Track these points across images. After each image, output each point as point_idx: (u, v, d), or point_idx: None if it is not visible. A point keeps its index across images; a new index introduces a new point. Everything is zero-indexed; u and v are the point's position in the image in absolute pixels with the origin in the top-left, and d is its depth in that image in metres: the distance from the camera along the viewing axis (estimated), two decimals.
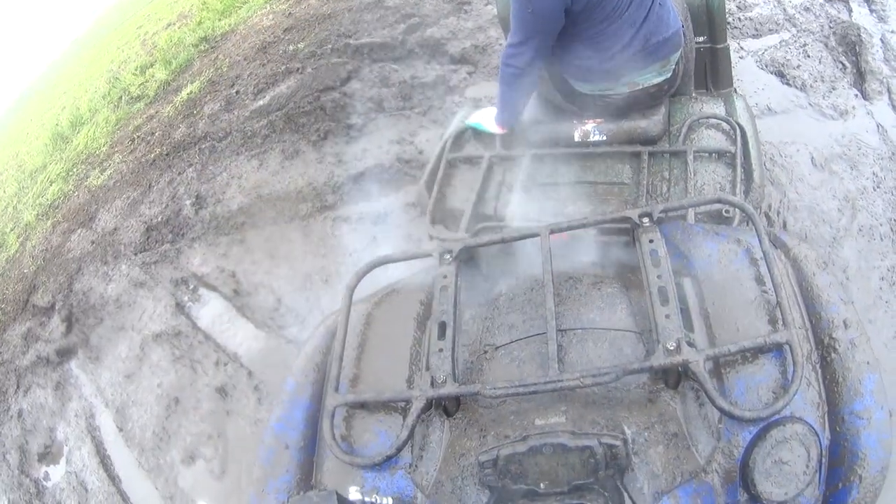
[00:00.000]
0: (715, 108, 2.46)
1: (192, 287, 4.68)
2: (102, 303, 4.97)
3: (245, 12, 9.05)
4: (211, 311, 4.43)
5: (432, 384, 1.36)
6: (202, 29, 9.35)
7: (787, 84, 4.33)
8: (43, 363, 4.77)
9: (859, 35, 4.52)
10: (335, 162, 4.92)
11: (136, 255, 5.25)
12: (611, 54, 2.22)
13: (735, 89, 2.97)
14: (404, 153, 4.65)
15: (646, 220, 1.51)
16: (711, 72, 3.11)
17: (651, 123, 2.30)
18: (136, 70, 9.91)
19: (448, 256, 1.61)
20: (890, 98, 4.11)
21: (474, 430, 1.34)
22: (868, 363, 1.32)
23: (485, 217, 2.18)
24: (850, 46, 4.53)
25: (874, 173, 3.63)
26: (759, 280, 1.43)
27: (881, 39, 4.54)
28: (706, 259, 1.51)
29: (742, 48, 4.70)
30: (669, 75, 2.29)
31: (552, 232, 1.55)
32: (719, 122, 2.34)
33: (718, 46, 3.00)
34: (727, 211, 1.94)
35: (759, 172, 2.12)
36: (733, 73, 3.03)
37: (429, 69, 5.48)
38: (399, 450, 1.34)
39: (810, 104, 4.15)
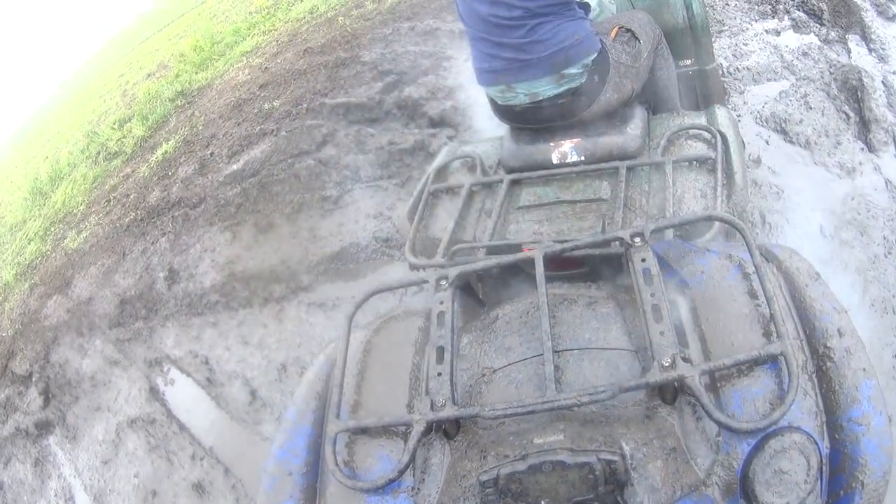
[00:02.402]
0: (696, 120, 2.38)
1: (165, 370, 4.42)
2: (78, 379, 4.77)
3: (222, 65, 8.79)
4: (185, 399, 4.17)
5: (432, 408, 1.36)
6: (179, 82, 9.11)
7: (791, 142, 3.91)
8: (22, 435, 4.59)
9: (860, 79, 4.12)
10: (310, 238, 4.54)
11: (110, 329, 5.02)
12: (480, 59, 2.32)
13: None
14: (381, 230, 4.26)
15: (637, 239, 1.50)
16: (702, 94, 3.18)
17: (628, 139, 2.27)
18: (114, 124, 9.73)
19: (444, 282, 1.60)
20: None
21: (474, 452, 1.33)
22: (864, 370, 1.29)
23: (463, 242, 2.09)
24: (851, 93, 4.12)
25: (885, 238, 3.26)
26: (752, 294, 1.41)
27: (883, 82, 4.15)
28: (699, 276, 1.49)
29: (741, 102, 4.34)
30: (577, 85, 2.25)
31: (545, 255, 1.55)
32: (700, 132, 2.26)
33: (707, 68, 3.09)
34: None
35: (741, 176, 2.07)
36: (725, 94, 2.90)
37: (407, 133, 5.09)
38: (401, 473, 1.32)
39: (815, 163, 3.74)
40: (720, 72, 2.77)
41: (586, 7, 2.46)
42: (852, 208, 3.40)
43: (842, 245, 3.24)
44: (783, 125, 3.99)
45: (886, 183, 3.51)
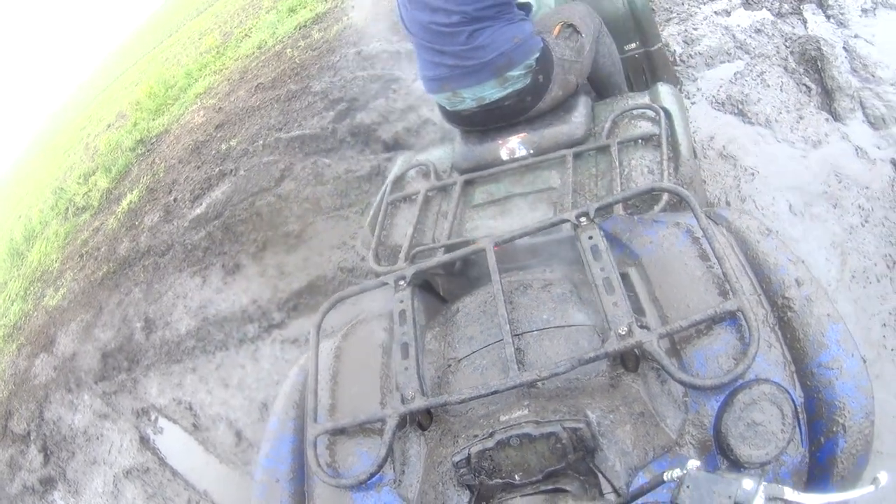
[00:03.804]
0: (640, 100, 2.38)
1: (153, 419, 4.35)
2: (72, 434, 4.70)
3: (177, 109, 8.70)
4: (175, 445, 4.09)
5: (402, 401, 1.38)
6: (138, 130, 9.03)
7: (750, 123, 3.73)
8: (30, 492, 4.53)
9: (819, 48, 3.96)
10: (277, 275, 4.46)
11: (96, 383, 4.95)
12: (425, 68, 2.35)
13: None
14: (346, 261, 4.18)
15: (583, 219, 1.52)
16: (651, 74, 3.19)
17: (573, 126, 2.29)
18: (79, 178, 9.71)
19: (402, 282, 1.63)
20: (864, 113, 3.55)
21: (448, 439, 1.36)
22: (829, 315, 1.29)
23: (423, 245, 2.13)
24: (811, 63, 3.97)
25: (860, 206, 3.11)
26: (704, 257, 1.41)
27: (844, 48, 3.99)
28: (648, 246, 1.50)
29: (695, 90, 4.20)
30: (521, 86, 2.27)
31: (496, 244, 1.58)
32: (643, 110, 2.26)
33: (652, 49, 3.11)
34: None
35: (686, 147, 2.07)
36: (674, 72, 2.85)
37: (362, 160, 5.01)
38: (381, 467, 1.34)
39: (778, 141, 3.59)
40: (666, 51, 2.73)
41: (527, 7, 2.47)
42: (823, 181, 3.27)
43: (813, 220, 3.12)
44: (740, 107, 3.85)
45: (856, 150, 3.36)
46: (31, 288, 7.76)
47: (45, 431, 4.89)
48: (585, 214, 1.52)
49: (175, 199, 6.28)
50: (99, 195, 8.31)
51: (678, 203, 1.88)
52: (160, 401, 4.37)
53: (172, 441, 4.10)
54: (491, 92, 2.28)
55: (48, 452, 4.70)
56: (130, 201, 7.14)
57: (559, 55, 2.33)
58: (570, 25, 2.42)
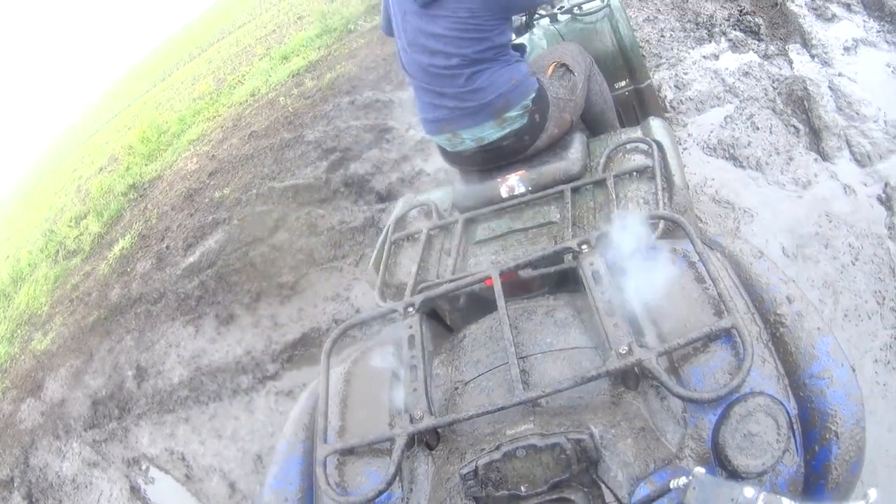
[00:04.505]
0: (632, 134, 2.43)
1: (144, 468, 4.23)
2: (59, 482, 4.58)
3: (170, 155, 8.68)
4: (167, 496, 4.00)
5: (411, 421, 1.39)
6: (130, 175, 8.98)
7: (741, 166, 3.80)
8: None
9: (806, 88, 4.08)
10: (271, 326, 4.42)
11: (86, 431, 4.84)
12: (425, 110, 2.37)
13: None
14: (340, 312, 4.16)
15: (585, 246, 1.56)
16: (640, 110, 3.24)
17: (570, 163, 2.33)
18: (71, 221, 9.59)
19: (411, 309, 1.66)
20: (850, 152, 3.61)
21: (455, 456, 1.36)
22: (818, 329, 1.34)
23: (427, 282, 2.13)
24: (798, 104, 4.05)
25: (850, 245, 3.15)
26: (700, 280, 1.44)
27: (829, 87, 4.09)
28: (647, 271, 1.52)
29: (686, 135, 4.21)
30: (519, 126, 2.31)
31: (501, 273, 1.61)
32: (636, 144, 2.31)
33: (641, 86, 3.17)
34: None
35: (679, 178, 2.12)
36: (662, 107, 2.86)
37: (356, 211, 5.02)
38: (389, 484, 1.34)
39: (769, 184, 3.63)
40: (655, 88, 2.80)
41: (522, 48, 2.53)
42: (814, 222, 3.31)
43: (806, 262, 3.14)
44: (731, 150, 3.90)
45: (845, 189, 3.41)
46: (18, 331, 7.62)
47: (31, 478, 4.76)
48: (587, 242, 1.57)
49: (168, 247, 6.23)
50: (90, 239, 8.23)
51: (674, 230, 1.92)
52: (152, 450, 4.28)
53: (164, 492, 4.00)
54: (490, 132, 2.31)
55: (33, 500, 4.58)
56: (122, 247, 7.08)
57: (554, 94, 2.37)
58: (563, 65, 2.47)
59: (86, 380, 5.36)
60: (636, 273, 1.53)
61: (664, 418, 1.29)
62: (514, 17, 2.58)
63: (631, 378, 1.34)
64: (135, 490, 4.11)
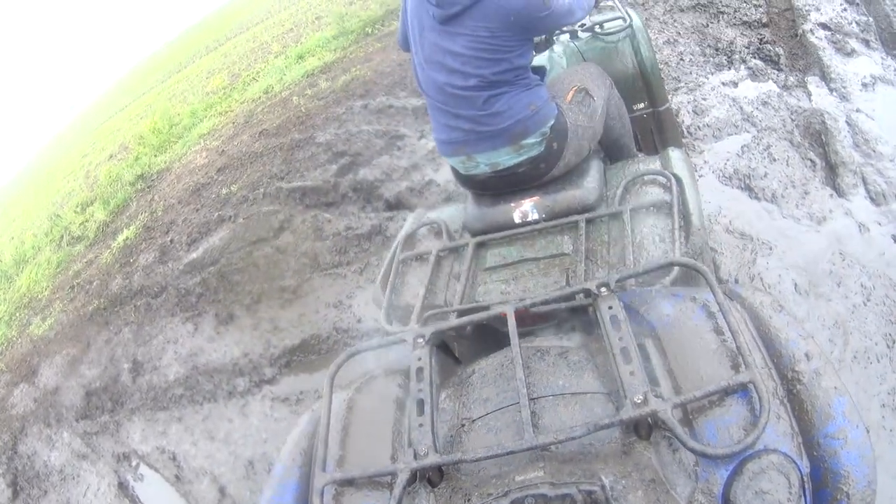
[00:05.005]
0: (651, 165, 2.38)
1: (134, 465, 4.17)
2: (46, 472, 4.52)
3: (180, 148, 8.63)
4: (155, 495, 3.93)
5: (415, 457, 1.35)
6: (139, 165, 8.94)
7: (757, 198, 3.73)
8: None
9: (823, 122, 4.00)
10: (271, 329, 4.35)
11: (77, 421, 4.78)
12: (439, 130, 2.31)
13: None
14: (342, 321, 4.08)
15: (603, 289, 1.52)
16: (658, 135, 3.16)
17: (586, 192, 2.27)
18: (77, 207, 9.56)
19: (421, 340, 1.61)
20: (866, 189, 3.56)
21: (459, 497, 1.32)
22: (836, 388, 1.31)
23: (435, 307, 2.11)
24: (815, 137, 3.97)
25: (862, 285, 3.10)
26: (718, 331, 1.41)
27: (847, 122, 4.03)
28: (665, 319, 1.49)
29: (702, 162, 4.11)
30: (536, 153, 2.25)
31: (516, 310, 1.56)
32: (655, 176, 2.26)
33: (660, 109, 3.10)
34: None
35: (697, 216, 2.08)
36: (680, 132, 2.79)
37: (363, 217, 4.95)
38: None
39: (784, 217, 3.57)
40: (673, 112, 2.77)
41: (542, 70, 2.44)
42: (828, 259, 3.25)
43: (818, 299, 3.09)
44: (748, 181, 3.83)
45: (859, 227, 3.35)
46: (17, 314, 7.59)
47: (18, 465, 4.71)
48: (606, 285, 1.53)
49: (172, 241, 6.17)
50: (95, 227, 8.19)
51: (689, 274, 1.90)
52: (143, 447, 4.21)
53: (153, 491, 3.94)
54: (506, 158, 2.25)
55: (18, 488, 4.53)
56: (126, 237, 7.03)
57: (573, 121, 2.31)
58: (584, 89, 2.41)
59: (81, 369, 5.30)
60: (654, 320, 1.51)
61: (675, 471, 1.25)
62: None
63: (644, 427, 1.30)
64: (123, 487, 4.04)
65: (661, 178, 2.24)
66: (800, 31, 5.09)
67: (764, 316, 1.51)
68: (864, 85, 4.36)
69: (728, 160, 4.05)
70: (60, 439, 4.72)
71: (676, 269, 1.84)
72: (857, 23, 5.03)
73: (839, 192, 3.59)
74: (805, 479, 1.20)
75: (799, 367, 1.36)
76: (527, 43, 2.20)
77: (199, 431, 4.07)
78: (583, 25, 3.13)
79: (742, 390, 1.28)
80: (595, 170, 2.38)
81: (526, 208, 2.31)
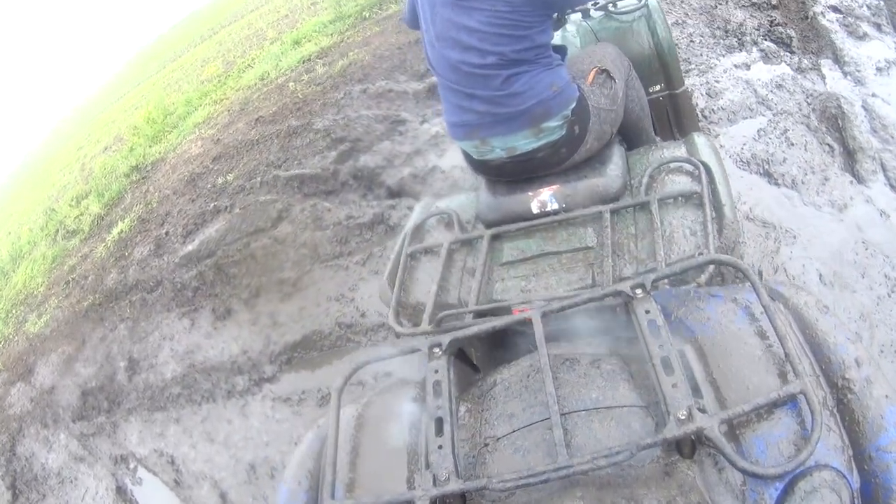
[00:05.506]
0: (676, 151, 2.22)
1: (132, 468, 4.05)
2: (45, 475, 4.42)
3: (175, 137, 8.48)
4: (154, 500, 3.81)
5: (434, 483, 1.22)
6: (134, 156, 8.81)
7: (776, 184, 3.61)
8: None
9: (840, 106, 3.87)
10: (270, 324, 4.17)
11: (74, 422, 4.67)
12: (451, 112, 2.16)
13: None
14: (344, 315, 3.88)
15: (639, 291, 1.39)
16: (675, 118, 3.06)
17: (609, 180, 2.12)
18: (72, 200, 9.46)
19: (437, 350, 1.47)
20: (885, 175, 3.47)
21: None
22: (887, 396, 1.22)
23: (448, 306, 1.96)
24: (832, 122, 3.85)
25: (885, 275, 2.98)
26: (763, 335, 1.31)
27: (863, 106, 3.92)
28: (705, 322, 1.39)
29: (718, 146, 3.94)
30: (557, 137, 2.10)
31: (544, 315, 1.43)
32: (681, 164, 2.11)
33: (677, 91, 2.98)
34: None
35: (729, 208, 1.94)
36: (697, 116, 2.68)
37: (365, 206, 4.75)
38: None
39: (805, 204, 3.46)
40: (690, 94, 2.80)
41: (563, 50, 2.27)
42: (851, 248, 3.15)
43: (843, 290, 2.98)
44: (766, 166, 3.71)
45: (881, 214, 3.26)
46: (13, 311, 7.49)
47: (16, 467, 4.61)
48: (642, 286, 1.40)
49: (167, 233, 6.00)
50: (90, 220, 8.04)
51: (720, 271, 1.83)
52: (140, 450, 4.07)
53: (151, 495, 3.82)
54: (524, 143, 2.10)
55: (17, 491, 4.42)
56: (121, 230, 6.87)
57: (595, 104, 2.16)
58: (605, 71, 2.26)
59: (77, 368, 5.17)
60: (693, 324, 1.41)
61: (721, 492, 1.15)
62: None
63: (686, 445, 1.19)
64: (121, 490, 3.93)
65: (687, 166, 2.10)
66: (810, 13, 4.99)
67: (809, 318, 1.40)
68: (879, 69, 4.26)
69: (745, 144, 3.92)
70: (57, 441, 4.61)
71: (711, 266, 1.71)
72: (868, 6, 4.93)
73: (859, 178, 3.50)
74: (855, 494, 1.13)
75: (849, 374, 1.26)
76: (548, 19, 2.05)
77: (197, 433, 3.93)
78: (595, 4, 3.00)
79: (791, 401, 1.19)
80: (617, 156, 2.24)
81: (545, 197, 2.15)
